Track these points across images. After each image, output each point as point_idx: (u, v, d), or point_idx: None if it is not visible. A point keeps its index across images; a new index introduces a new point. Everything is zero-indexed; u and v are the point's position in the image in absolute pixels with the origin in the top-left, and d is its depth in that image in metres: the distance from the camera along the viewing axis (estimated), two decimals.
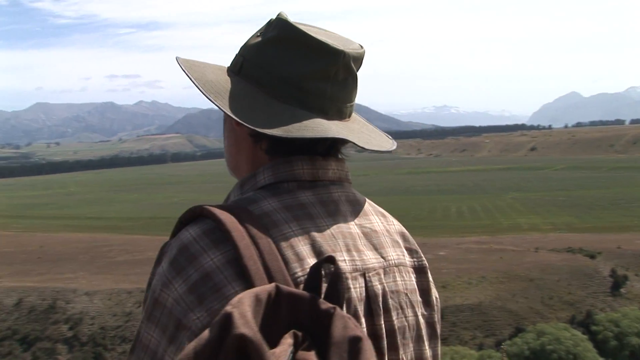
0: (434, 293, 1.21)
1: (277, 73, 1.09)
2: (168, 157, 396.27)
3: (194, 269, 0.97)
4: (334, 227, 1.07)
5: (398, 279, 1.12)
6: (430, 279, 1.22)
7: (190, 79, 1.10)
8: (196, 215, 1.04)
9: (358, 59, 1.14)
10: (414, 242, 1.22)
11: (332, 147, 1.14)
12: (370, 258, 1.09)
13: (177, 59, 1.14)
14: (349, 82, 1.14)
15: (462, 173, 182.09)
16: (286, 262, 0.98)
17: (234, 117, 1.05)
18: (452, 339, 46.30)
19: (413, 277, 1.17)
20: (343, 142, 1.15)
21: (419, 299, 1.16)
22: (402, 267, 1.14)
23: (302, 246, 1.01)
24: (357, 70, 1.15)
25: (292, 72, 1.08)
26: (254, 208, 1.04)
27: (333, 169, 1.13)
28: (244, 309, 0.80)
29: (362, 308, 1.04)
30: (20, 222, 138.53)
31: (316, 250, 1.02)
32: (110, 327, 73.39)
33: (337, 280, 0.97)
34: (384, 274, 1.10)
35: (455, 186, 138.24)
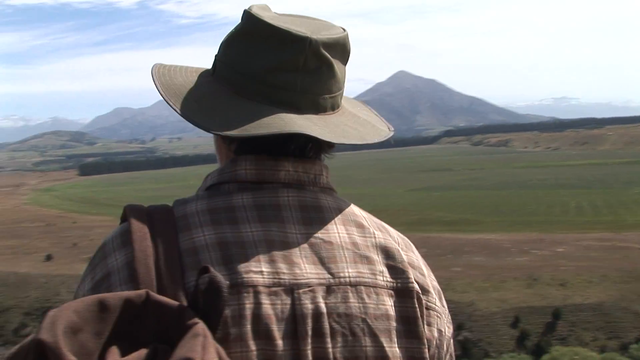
0: (434, 323, 1.07)
1: (241, 69, 1.03)
2: None
3: (100, 268, 0.96)
4: (261, 234, 0.97)
5: (352, 300, 0.97)
6: (429, 304, 1.06)
7: (155, 84, 1.06)
8: (126, 214, 1.00)
9: (332, 45, 1.03)
10: (406, 259, 1.06)
11: (305, 146, 1.04)
12: (307, 272, 0.96)
13: (152, 67, 1.10)
14: (324, 72, 1.03)
15: (583, 167, 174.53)
16: (183, 269, 0.91)
17: (185, 118, 1.01)
18: (572, 340, 44.75)
19: (388, 300, 1.00)
20: (324, 141, 1.04)
21: (395, 326, 1.00)
22: (363, 287, 0.99)
23: (208, 253, 0.94)
24: (340, 57, 1.07)
25: (256, 66, 1.01)
26: (178, 209, 1.00)
27: (287, 170, 1.03)
28: (60, 314, 0.75)
29: (283, 329, 0.92)
30: None
31: (226, 258, 0.93)
32: None
33: (215, 293, 0.84)
34: (327, 292, 0.96)
35: (575, 180, 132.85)
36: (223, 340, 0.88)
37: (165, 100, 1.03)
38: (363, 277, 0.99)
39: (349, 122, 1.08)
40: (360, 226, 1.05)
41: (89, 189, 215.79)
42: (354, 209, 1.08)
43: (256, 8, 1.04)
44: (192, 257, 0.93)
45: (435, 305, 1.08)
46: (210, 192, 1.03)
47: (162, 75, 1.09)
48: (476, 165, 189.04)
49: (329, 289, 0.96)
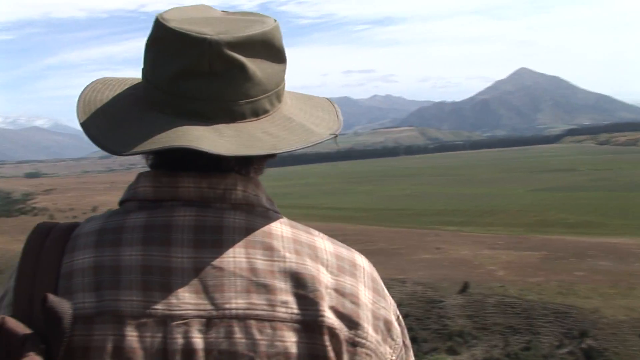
0: None
1: (150, 78, 0.94)
2: (401, 149, 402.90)
3: (3, 287, 0.93)
4: (140, 258, 0.87)
5: (238, 335, 0.84)
6: (357, 340, 0.90)
7: (78, 100, 0.99)
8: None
9: (243, 44, 0.91)
10: (330, 285, 0.91)
11: (216, 159, 0.90)
12: (185, 303, 0.85)
13: (90, 82, 1.03)
14: (235, 75, 0.91)
15: None
16: (56, 294, 0.85)
17: (84, 132, 0.93)
18: None
19: (290, 336, 0.86)
20: (249, 157, 0.95)
21: None
22: (254, 321, 0.85)
23: (82, 277, 0.87)
24: (265, 55, 0.94)
25: (161, 74, 0.92)
26: (80, 228, 0.93)
27: (186, 187, 0.92)
28: None
29: None
30: None
31: (97, 284, 0.86)
32: None
33: (54, 323, 0.80)
34: (207, 326, 0.84)
35: None
36: None
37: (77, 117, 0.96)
38: (255, 310, 0.85)
39: (272, 128, 0.94)
40: (268, 249, 0.90)
41: None
42: (273, 228, 0.93)
43: (169, 12, 0.96)
44: (66, 282, 0.87)
45: (367, 341, 0.91)
46: (114, 211, 0.96)
47: (91, 90, 1.01)
48: (602, 166, 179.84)
49: (209, 323, 0.84)
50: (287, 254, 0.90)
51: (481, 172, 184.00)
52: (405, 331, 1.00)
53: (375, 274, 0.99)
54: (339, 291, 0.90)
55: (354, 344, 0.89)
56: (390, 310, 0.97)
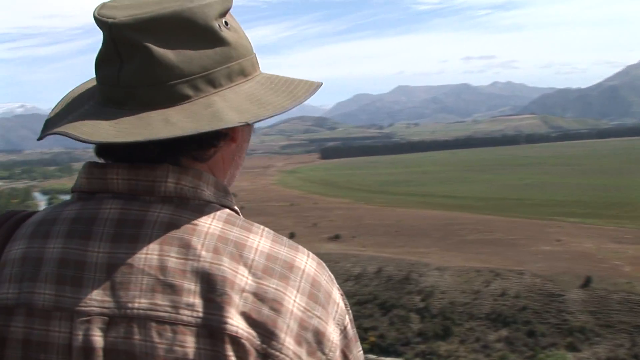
0: None
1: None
2: (522, 138, 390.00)
3: None
4: (59, 251, 0.86)
5: (136, 337, 0.80)
6: (270, 351, 0.82)
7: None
8: None
9: (146, 26, 0.85)
10: (250, 288, 0.83)
11: (145, 148, 0.87)
12: (91, 299, 0.82)
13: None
14: (141, 59, 0.86)
15: None
16: None
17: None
18: None
19: (191, 341, 0.80)
20: (177, 145, 0.89)
21: None
22: (153, 323, 0.80)
23: (11, 268, 0.88)
24: (184, 36, 0.87)
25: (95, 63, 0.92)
26: (31, 217, 0.95)
27: (114, 179, 0.89)
28: None
29: (54, 359, 0.82)
30: (382, 197, 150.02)
31: (20, 275, 0.86)
32: (459, 303, 75.82)
33: None
34: (108, 325, 0.81)
35: None
36: None
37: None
38: (156, 311, 0.81)
39: (179, 115, 0.86)
40: (185, 246, 0.84)
41: (329, 171, 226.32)
42: (200, 223, 0.87)
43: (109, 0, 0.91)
44: (1, 272, 0.89)
45: (281, 353, 0.82)
46: (64, 201, 0.95)
47: (80, 85, 1.01)
48: None
49: (110, 321, 0.81)
50: (203, 253, 0.84)
51: (608, 162, 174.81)
52: (354, 343, 0.92)
53: (322, 278, 0.89)
54: (259, 296, 0.83)
55: (265, 355, 0.81)
56: (329, 320, 0.87)
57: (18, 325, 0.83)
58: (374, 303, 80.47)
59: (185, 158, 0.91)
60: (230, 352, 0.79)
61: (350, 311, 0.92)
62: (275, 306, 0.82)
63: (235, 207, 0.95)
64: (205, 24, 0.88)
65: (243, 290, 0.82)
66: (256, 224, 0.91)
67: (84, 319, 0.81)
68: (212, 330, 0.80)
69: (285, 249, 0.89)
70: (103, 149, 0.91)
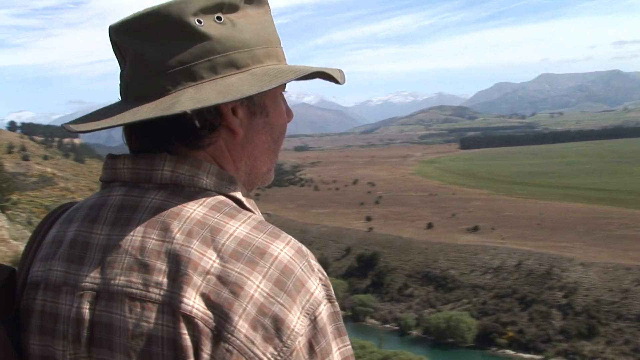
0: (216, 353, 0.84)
1: None
2: None
3: None
4: (73, 234, 0.99)
5: (115, 311, 0.89)
6: (224, 334, 0.84)
7: None
8: None
9: (129, 27, 0.97)
10: (215, 271, 0.87)
11: (142, 138, 1.01)
12: (87, 276, 0.93)
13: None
14: (130, 57, 0.98)
15: None
16: (32, 261, 1.04)
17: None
18: None
19: (155, 317, 0.87)
20: (162, 132, 0.98)
21: (161, 352, 0.86)
22: (127, 299, 0.89)
23: (47, 248, 1.02)
24: (159, 33, 0.95)
25: None
26: (79, 202, 1.07)
27: (121, 168, 1.00)
28: None
29: (61, 329, 0.94)
30: (523, 188, 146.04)
31: (48, 254, 1.00)
32: (605, 302, 72.90)
33: (6, 288, 0.94)
34: (95, 299, 0.91)
35: None
36: (23, 331, 0.98)
37: None
38: (130, 287, 0.89)
39: (147, 107, 0.94)
40: (165, 229, 0.91)
41: (468, 162, 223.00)
42: (185, 208, 0.94)
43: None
44: (41, 251, 1.03)
45: (232, 336, 0.84)
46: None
47: None
48: None
49: (98, 296, 0.91)
50: (178, 235, 0.90)
51: None
52: (327, 336, 0.89)
53: (296, 267, 0.89)
54: (222, 278, 0.86)
55: (218, 336, 0.84)
56: (293, 308, 0.86)
57: (38, 298, 0.97)
58: (513, 297, 79.03)
59: (179, 146, 0.99)
60: (184, 331, 0.84)
61: (334, 304, 0.92)
62: (235, 289, 0.85)
63: (239, 196, 0.99)
64: (180, 19, 0.94)
65: (207, 273, 0.86)
66: (246, 212, 0.95)
67: (80, 293, 0.92)
68: (172, 308, 0.85)
69: (263, 236, 0.91)
70: (127, 143, 1.03)
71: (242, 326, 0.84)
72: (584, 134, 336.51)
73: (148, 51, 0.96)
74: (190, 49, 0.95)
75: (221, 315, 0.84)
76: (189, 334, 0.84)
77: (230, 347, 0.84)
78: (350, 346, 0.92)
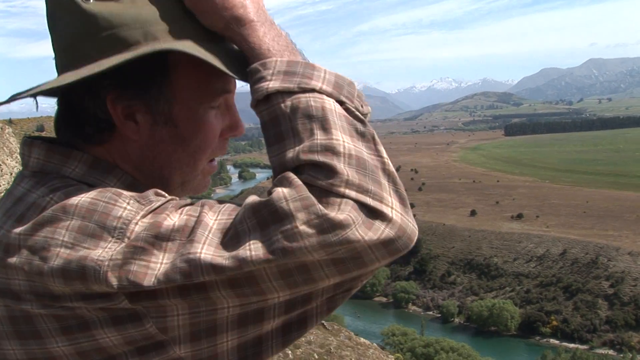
0: None
1: None
2: None
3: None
4: None
5: None
6: (29, 301, 0.88)
7: None
8: None
9: (47, 11, 1.00)
10: (11, 252, 0.88)
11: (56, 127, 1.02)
12: None
13: None
14: None
15: None
16: None
17: None
18: None
19: None
20: (61, 120, 1.02)
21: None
22: None
23: None
24: (55, 19, 0.98)
25: None
26: None
27: (28, 157, 1.01)
28: None
29: None
30: (569, 176, 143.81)
31: None
32: None
33: None
34: None
35: None
36: None
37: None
38: None
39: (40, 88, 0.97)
40: (9, 216, 0.94)
41: (513, 149, 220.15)
42: (20, 190, 0.96)
43: None
44: None
45: (55, 296, 0.87)
46: None
47: None
48: None
49: None
50: (3, 218, 0.94)
51: None
52: (140, 251, 0.84)
53: (99, 204, 0.88)
54: (31, 249, 0.88)
55: (44, 305, 0.88)
56: (100, 244, 0.85)
57: None
58: (558, 286, 78.28)
59: (76, 139, 1.00)
60: (16, 307, 0.88)
61: (159, 212, 0.87)
62: (44, 254, 0.86)
63: (104, 186, 0.95)
64: (49, 10, 0.98)
65: (19, 247, 0.88)
66: (69, 191, 0.92)
67: None
68: (3, 291, 0.89)
69: (69, 192, 0.91)
70: None
71: (59, 283, 0.85)
72: (633, 120, 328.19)
73: (52, 32, 0.99)
74: (77, 26, 0.94)
75: (39, 282, 0.86)
76: (19, 309, 0.89)
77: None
78: (197, 246, 0.83)
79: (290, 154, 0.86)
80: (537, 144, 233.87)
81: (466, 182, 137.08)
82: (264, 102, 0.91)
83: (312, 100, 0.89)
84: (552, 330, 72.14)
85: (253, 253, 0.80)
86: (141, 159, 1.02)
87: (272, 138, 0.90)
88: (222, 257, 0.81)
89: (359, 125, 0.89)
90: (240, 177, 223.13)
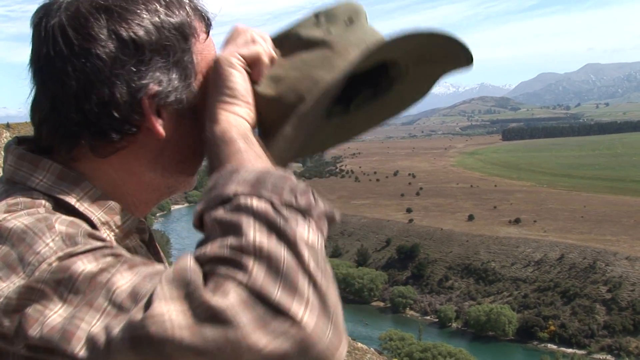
0: None
1: None
2: None
3: None
4: None
5: None
6: None
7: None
8: None
9: None
10: None
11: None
12: None
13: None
14: None
15: None
16: None
17: None
18: None
19: None
20: (51, 132, 0.99)
21: None
22: None
23: None
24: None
25: None
26: None
27: (5, 162, 0.99)
28: None
29: None
30: (566, 181, 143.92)
31: None
32: None
33: None
34: None
35: None
36: None
37: None
38: None
39: None
40: None
41: (511, 153, 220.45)
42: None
43: None
44: None
45: None
46: None
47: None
48: None
49: None
50: None
51: None
52: (39, 296, 0.79)
53: (28, 233, 0.83)
54: None
55: None
56: (9, 278, 0.81)
57: None
58: (555, 291, 78.28)
59: (95, 150, 0.98)
60: None
61: (77, 256, 0.81)
62: None
63: (69, 201, 0.95)
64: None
65: None
66: (26, 210, 0.89)
67: None
68: None
69: (10, 215, 0.87)
70: None
71: None
72: (631, 125, 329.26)
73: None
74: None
75: None
76: None
77: None
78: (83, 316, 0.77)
79: (198, 251, 0.79)
80: (534, 149, 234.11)
81: (464, 186, 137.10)
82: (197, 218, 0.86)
83: (225, 211, 0.81)
84: (550, 335, 72.11)
85: (118, 345, 0.74)
86: (161, 157, 1.03)
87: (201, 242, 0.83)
88: (95, 344, 0.75)
89: (280, 222, 0.79)
90: None
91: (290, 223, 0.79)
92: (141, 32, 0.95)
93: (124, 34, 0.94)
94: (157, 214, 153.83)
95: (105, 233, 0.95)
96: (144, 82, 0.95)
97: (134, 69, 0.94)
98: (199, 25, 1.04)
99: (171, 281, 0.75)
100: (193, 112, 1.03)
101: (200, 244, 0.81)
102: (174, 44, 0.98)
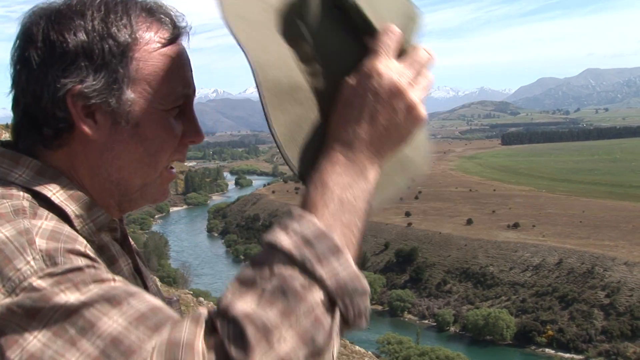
0: None
1: None
2: None
3: None
4: None
5: None
6: None
7: None
8: None
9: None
10: None
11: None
12: None
13: None
14: None
15: None
16: None
17: None
18: None
19: None
20: (21, 127, 1.05)
21: None
22: None
23: None
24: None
25: None
26: None
27: None
28: None
29: None
30: (565, 185, 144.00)
31: None
32: None
33: None
34: None
35: None
36: None
37: None
38: None
39: None
40: None
41: (510, 158, 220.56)
42: None
43: None
44: None
45: None
46: None
47: None
48: None
49: None
50: None
51: None
52: (21, 319, 0.80)
53: (8, 246, 0.84)
54: None
55: None
56: None
57: None
58: (553, 296, 78.24)
59: (38, 145, 1.03)
60: None
61: (65, 287, 0.82)
62: None
63: (44, 192, 0.99)
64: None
65: None
66: (9, 205, 0.92)
67: None
68: None
69: None
70: None
71: None
72: (630, 131, 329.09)
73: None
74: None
75: None
76: None
77: None
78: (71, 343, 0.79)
79: (239, 304, 0.80)
80: (533, 154, 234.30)
81: (463, 190, 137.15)
82: (266, 246, 0.87)
83: (298, 284, 0.82)
84: (548, 340, 72.07)
85: None
86: (100, 160, 1.04)
87: (243, 277, 0.84)
88: None
89: (320, 339, 0.80)
90: (236, 184, 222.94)
91: (329, 344, 0.82)
92: (70, 36, 0.98)
93: (54, 37, 0.98)
94: (156, 216, 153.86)
95: (79, 226, 0.98)
96: (67, 80, 0.98)
97: (60, 69, 0.98)
98: (153, 33, 1.04)
99: (162, 357, 0.77)
100: (134, 122, 1.02)
101: (248, 267, 0.84)
102: (103, 48, 0.99)
